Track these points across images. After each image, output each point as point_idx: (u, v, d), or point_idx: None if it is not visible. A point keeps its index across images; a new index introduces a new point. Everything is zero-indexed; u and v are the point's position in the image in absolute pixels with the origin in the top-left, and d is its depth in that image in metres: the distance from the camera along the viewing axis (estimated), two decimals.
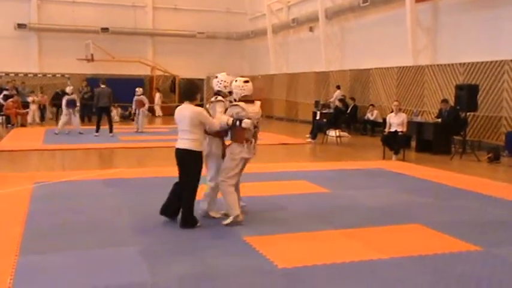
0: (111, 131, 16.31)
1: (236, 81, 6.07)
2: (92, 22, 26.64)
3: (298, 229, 5.92)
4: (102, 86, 16.46)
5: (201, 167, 5.95)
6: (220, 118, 5.92)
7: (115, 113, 22.20)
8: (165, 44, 28.69)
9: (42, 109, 22.15)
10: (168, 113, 25.54)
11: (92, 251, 5.10)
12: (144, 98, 17.73)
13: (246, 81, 6.06)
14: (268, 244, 5.31)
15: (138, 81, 26.25)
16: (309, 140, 15.54)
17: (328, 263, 4.78)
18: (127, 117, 23.28)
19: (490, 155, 11.92)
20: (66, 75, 26.30)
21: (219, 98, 6.16)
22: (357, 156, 12.52)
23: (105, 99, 16.15)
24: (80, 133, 16.71)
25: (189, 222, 5.88)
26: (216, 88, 6.30)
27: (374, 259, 4.91)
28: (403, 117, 12.29)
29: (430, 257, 4.98)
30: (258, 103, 6.12)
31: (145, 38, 28.53)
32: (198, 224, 5.92)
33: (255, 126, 6.05)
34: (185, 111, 5.83)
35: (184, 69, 27.19)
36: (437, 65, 15.52)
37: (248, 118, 5.87)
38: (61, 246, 5.22)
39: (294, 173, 9.85)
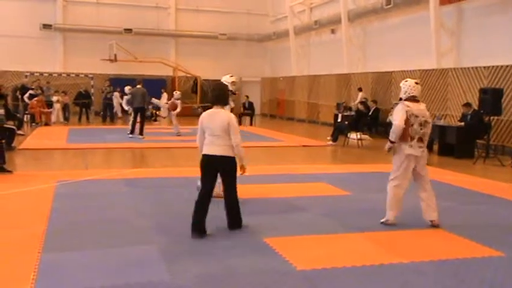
0: (141, 133, 15.89)
1: (407, 81, 6.28)
2: (115, 23, 26.98)
3: (318, 231, 5.91)
4: (138, 86, 16.26)
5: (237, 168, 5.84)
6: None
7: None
8: (187, 45, 28.89)
9: (64, 108, 22.43)
10: (189, 113, 25.70)
11: (112, 249, 5.16)
12: (177, 102, 17.55)
13: (417, 83, 6.28)
14: (287, 246, 5.31)
15: (160, 82, 26.49)
16: (330, 142, 15.48)
17: (348, 266, 4.76)
18: (149, 118, 23.42)
19: None
20: (90, 75, 26.71)
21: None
22: (378, 159, 12.41)
23: (139, 99, 16.00)
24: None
25: (240, 223, 5.89)
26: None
27: (394, 263, 4.87)
28: None
29: (451, 262, 4.92)
30: (423, 104, 6.28)
31: (167, 39, 28.77)
32: (245, 224, 5.92)
33: (422, 125, 6.11)
34: (221, 115, 5.63)
35: (206, 70, 27.34)
36: (461, 68, 15.31)
37: (415, 115, 6.03)
38: (82, 244, 5.30)
39: (315, 175, 9.83)
